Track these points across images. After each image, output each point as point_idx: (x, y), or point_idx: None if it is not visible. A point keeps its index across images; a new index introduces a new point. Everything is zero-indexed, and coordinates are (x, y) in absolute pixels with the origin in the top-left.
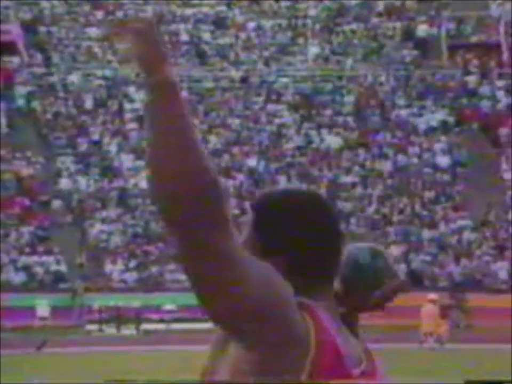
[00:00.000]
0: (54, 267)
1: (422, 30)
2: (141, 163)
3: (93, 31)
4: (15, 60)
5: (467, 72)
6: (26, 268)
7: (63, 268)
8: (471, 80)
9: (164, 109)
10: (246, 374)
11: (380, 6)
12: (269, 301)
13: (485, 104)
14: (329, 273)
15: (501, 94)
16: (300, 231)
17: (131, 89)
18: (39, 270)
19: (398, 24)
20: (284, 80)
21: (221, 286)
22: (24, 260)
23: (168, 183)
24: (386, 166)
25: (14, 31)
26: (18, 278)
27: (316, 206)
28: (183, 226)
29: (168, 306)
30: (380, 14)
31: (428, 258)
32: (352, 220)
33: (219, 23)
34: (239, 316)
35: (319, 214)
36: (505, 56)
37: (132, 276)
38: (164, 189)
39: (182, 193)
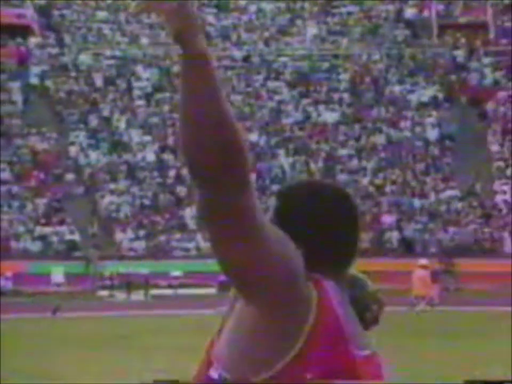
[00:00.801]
0: (67, 236)
1: (413, 11)
2: (148, 138)
3: (103, 14)
4: (30, 41)
5: (456, 50)
6: (42, 237)
7: (76, 237)
8: (460, 57)
9: (198, 81)
10: (246, 329)
11: None
12: (280, 261)
13: (473, 80)
14: (344, 265)
15: (487, 70)
16: (318, 228)
17: (139, 68)
18: (54, 239)
19: (391, 7)
20: (283, 59)
21: (238, 240)
22: (39, 229)
23: (202, 148)
24: (380, 140)
25: (29, 15)
26: (34, 246)
27: (338, 202)
28: (212, 182)
29: (175, 273)
30: None
31: (418, 226)
32: (348, 191)
33: (222, 6)
34: (250, 269)
35: (341, 210)
36: (491, 35)
37: (140, 245)
38: (198, 151)
39: (213, 155)
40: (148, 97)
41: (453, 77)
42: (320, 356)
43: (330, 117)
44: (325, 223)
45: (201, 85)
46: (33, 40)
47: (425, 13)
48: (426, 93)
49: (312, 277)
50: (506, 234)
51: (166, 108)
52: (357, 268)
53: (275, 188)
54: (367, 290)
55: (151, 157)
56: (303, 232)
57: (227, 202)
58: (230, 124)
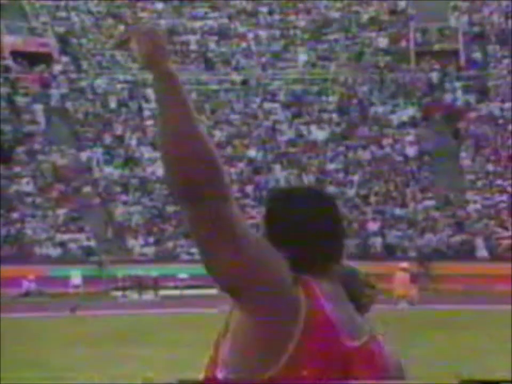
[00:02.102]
0: (85, 243)
1: (394, 39)
2: (157, 154)
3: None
4: (52, 67)
5: (431, 74)
6: (62, 244)
7: (92, 243)
8: (435, 80)
9: (167, 97)
10: (243, 332)
11: (359, 19)
12: (264, 268)
13: (447, 101)
14: (331, 261)
15: (459, 93)
16: (302, 227)
17: (149, 91)
18: (72, 245)
19: (374, 34)
20: (278, 82)
21: (223, 249)
22: (60, 237)
23: (176, 161)
24: (364, 155)
25: (50, 43)
26: (55, 252)
27: (318, 203)
28: (190, 198)
29: (182, 275)
30: (358, 25)
31: (399, 233)
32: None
33: (222, 34)
34: (236, 277)
35: (322, 209)
36: (462, 60)
37: (150, 250)
38: (173, 166)
39: (187, 171)
40: (156, 118)
41: (429, 99)
42: (313, 353)
43: (320, 134)
44: (303, 224)
45: (172, 102)
46: (54, 67)
47: (404, 42)
48: (406, 113)
49: (300, 279)
50: (478, 240)
51: None
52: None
53: None
54: (359, 277)
55: (159, 171)
56: (286, 234)
57: (211, 214)
58: (202, 137)
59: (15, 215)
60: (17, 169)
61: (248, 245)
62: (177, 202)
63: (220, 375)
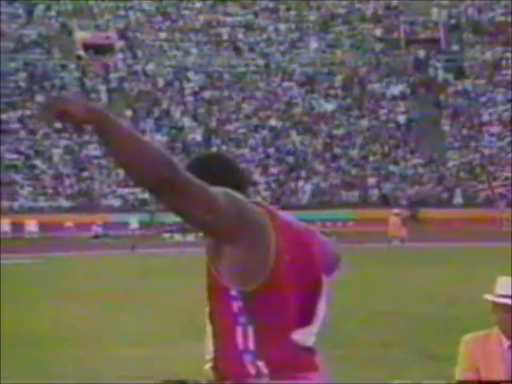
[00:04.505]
0: (140, 195)
1: (388, 30)
2: (196, 124)
3: (163, 34)
4: (113, 55)
5: (418, 58)
6: (122, 196)
7: (146, 195)
8: (420, 63)
9: (113, 137)
10: (234, 258)
11: (360, 14)
12: (235, 203)
13: (430, 79)
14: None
15: (440, 72)
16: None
17: (189, 74)
18: (130, 197)
19: (371, 26)
20: (294, 65)
21: (200, 205)
22: (120, 191)
23: (137, 172)
24: (364, 123)
25: (112, 36)
26: (117, 203)
27: (213, 159)
28: (155, 192)
29: None
30: (359, 19)
31: (393, 185)
32: (341, 161)
33: (249, 27)
34: (219, 219)
35: (215, 162)
36: (442, 46)
37: None
38: (135, 177)
39: (147, 176)
40: (195, 94)
41: (415, 77)
42: (288, 243)
43: (328, 107)
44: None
45: (119, 138)
46: (115, 55)
47: (395, 32)
48: (397, 89)
49: (259, 203)
50: (456, 190)
51: (208, 102)
52: (352, 215)
53: (288, 159)
54: None
55: (198, 137)
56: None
57: (182, 195)
58: (149, 148)
59: (85, 174)
60: (86, 137)
61: (218, 193)
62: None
63: (233, 291)
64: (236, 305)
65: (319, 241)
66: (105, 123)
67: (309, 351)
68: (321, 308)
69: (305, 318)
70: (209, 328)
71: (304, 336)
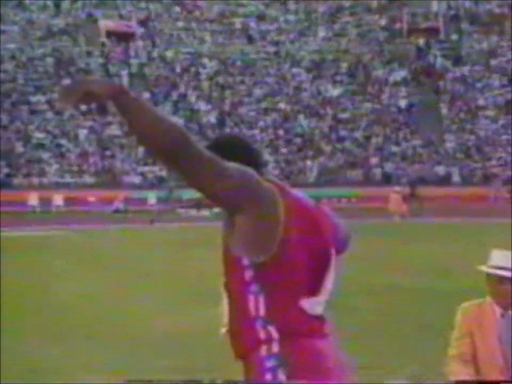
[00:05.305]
0: (158, 173)
1: (391, 20)
2: (210, 107)
3: (181, 24)
4: (134, 42)
5: (419, 46)
6: (142, 174)
7: (164, 173)
8: (421, 50)
9: (130, 112)
10: (246, 230)
11: (366, 5)
12: (246, 176)
13: (430, 66)
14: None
15: (439, 59)
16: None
17: (204, 60)
18: (149, 175)
19: (376, 16)
20: (302, 53)
21: (211, 174)
22: (140, 168)
23: (152, 141)
24: (368, 107)
25: (133, 25)
26: (137, 180)
27: (235, 140)
28: (169, 159)
29: None
30: (365, 10)
31: (394, 165)
32: (346, 142)
33: (261, 17)
34: (229, 189)
35: (236, 144)
36: (442, 35)
37: None
38: (151, 143)
39: (163, 144)
40: (210, 79)
41: (416, 64)
42: (297, 217)
43: (335, 92)
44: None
45: (141, 116)
46: (136, 43)
47: (398, 22)
48: (399, 75)
49: (270, 180)
50: (454, 170)
51: (222, 86)
52: (356, 193)
53: (297, 140)
54: None
55: (213, 119)
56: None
57: (198, 163)
58: (165, 129)
59: (108, 153)
60: (109, 118)
61: (230, 169)
62: (168, 167)
63: (246, 261)
64: (248, 275)
65: (329, 219)
66: (125, 97)
67: (319, 319)
68: (330, 280)
69: (314, 289)
70: (224, 296)
71: (313, 305)
